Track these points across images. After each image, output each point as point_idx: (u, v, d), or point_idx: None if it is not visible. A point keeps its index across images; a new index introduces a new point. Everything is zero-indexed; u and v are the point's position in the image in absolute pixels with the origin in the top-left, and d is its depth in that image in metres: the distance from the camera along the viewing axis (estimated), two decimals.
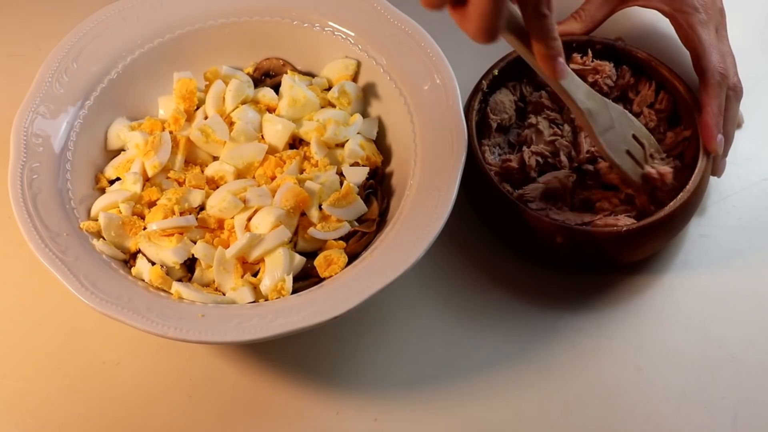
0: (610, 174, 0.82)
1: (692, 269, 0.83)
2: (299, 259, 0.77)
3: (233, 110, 0.84)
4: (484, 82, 0.85)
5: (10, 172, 0.77)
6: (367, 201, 0.81)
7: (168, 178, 0.82)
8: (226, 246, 0.77)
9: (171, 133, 0.83)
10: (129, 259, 0.78)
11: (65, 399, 0.76)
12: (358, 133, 0.84)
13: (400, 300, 0.81)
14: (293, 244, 0.79)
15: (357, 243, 0.79)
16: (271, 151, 0.83)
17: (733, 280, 0.82)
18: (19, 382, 0.77)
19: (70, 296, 0.71)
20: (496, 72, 0.85)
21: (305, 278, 0.77)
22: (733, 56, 0.84)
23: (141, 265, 0.76)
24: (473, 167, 0.79)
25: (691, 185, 0.79)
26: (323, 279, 0.77)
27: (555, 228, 0.77)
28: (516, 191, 0.82)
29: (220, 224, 0.79)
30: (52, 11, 0.99)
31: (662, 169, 0.80)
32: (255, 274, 0.77)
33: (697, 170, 0.80)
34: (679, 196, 0.78)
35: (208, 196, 0.80)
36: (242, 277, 0.76)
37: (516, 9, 0.69)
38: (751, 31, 0.98)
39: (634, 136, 0.81)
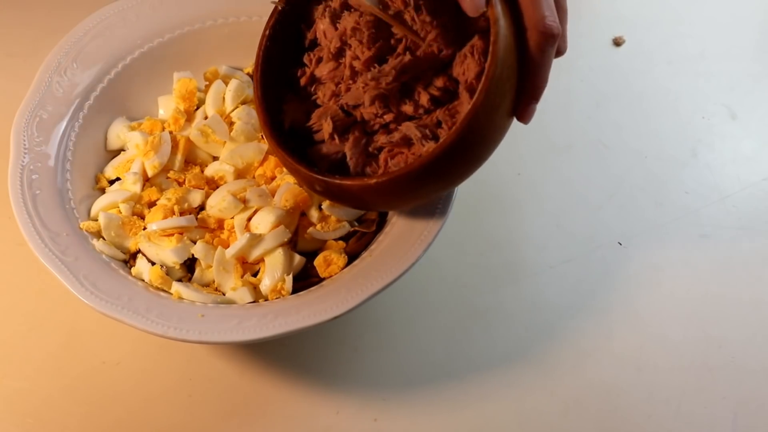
0: None
1: (692, 269, 0.83)
2: (299, 259, 0.77)
3: (233, 110, 0.85)
4: None
5: (10, 172, 0.77)
6: None
7: (168, 178, 0.82)
8: (226, 246, 0.77)
9: (171, 133, 0.83)
10: (129, 259, 0.78)
11: (65, 399, 0.76)
12: None
13: (400, 300, 0.81)
14: (293, 244, 0.79)
15: (357, 243, 0.78)
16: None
17: (733, 280, 0.83)
18: (20, 382, 0.77)
19: (70, 296, 0.71)
20: None
21: (305, 278, 0.77)
22: None
23: (141, 265, 0.76)
24: None
25: (460, 125, 0.63)
26: (323, 279, 0.77)
27: (312, 179, 0.70)
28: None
29: (220, 224, 0.79)
30: (52, 11, 0.99)
31: None
32: (255, 274, 0.77)
33: (471, 107, 0.62)
34: (439, 140, 0.66)
35: (208, 196, 0.80)
36: (242, 277, 0.76)
37: None
38: (751, 31, 0.98)
39: None
